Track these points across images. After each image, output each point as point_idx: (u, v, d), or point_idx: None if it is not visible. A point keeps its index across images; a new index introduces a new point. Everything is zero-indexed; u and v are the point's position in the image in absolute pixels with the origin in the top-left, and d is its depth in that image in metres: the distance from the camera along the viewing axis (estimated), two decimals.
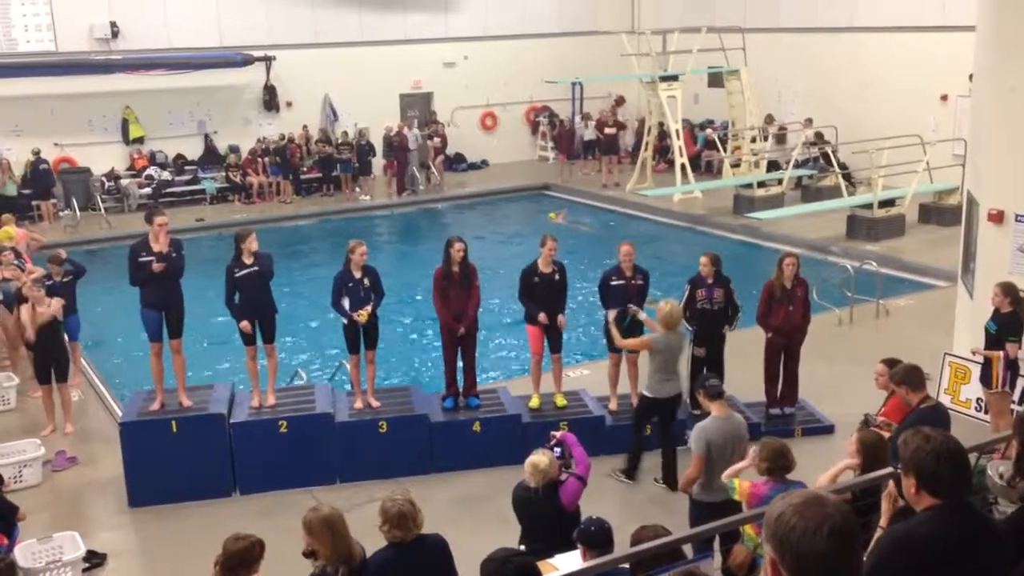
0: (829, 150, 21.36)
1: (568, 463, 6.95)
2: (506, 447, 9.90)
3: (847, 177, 20.97)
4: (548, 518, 6.29)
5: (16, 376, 12.10)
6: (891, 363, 7.55)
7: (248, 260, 9.46)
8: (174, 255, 9.38)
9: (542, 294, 9.96)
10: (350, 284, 9.59)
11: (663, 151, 24.84)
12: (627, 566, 4.86)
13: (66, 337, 11.65)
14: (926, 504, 3.32)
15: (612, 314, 9.99)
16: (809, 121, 22.79)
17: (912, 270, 16.66)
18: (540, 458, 6.68)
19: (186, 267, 9.59)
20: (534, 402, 10.32)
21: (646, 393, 9.48)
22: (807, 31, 23.58)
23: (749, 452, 6.73)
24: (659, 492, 9.37)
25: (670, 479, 9.31)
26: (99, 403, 12.06)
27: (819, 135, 22.35)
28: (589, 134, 25.29)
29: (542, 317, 9.94)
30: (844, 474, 6.18)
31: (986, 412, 9.92)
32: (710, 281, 10.26)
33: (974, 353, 9.92)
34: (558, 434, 7.35)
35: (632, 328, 9.97)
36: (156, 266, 9.24)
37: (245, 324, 9.56)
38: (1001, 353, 9.30)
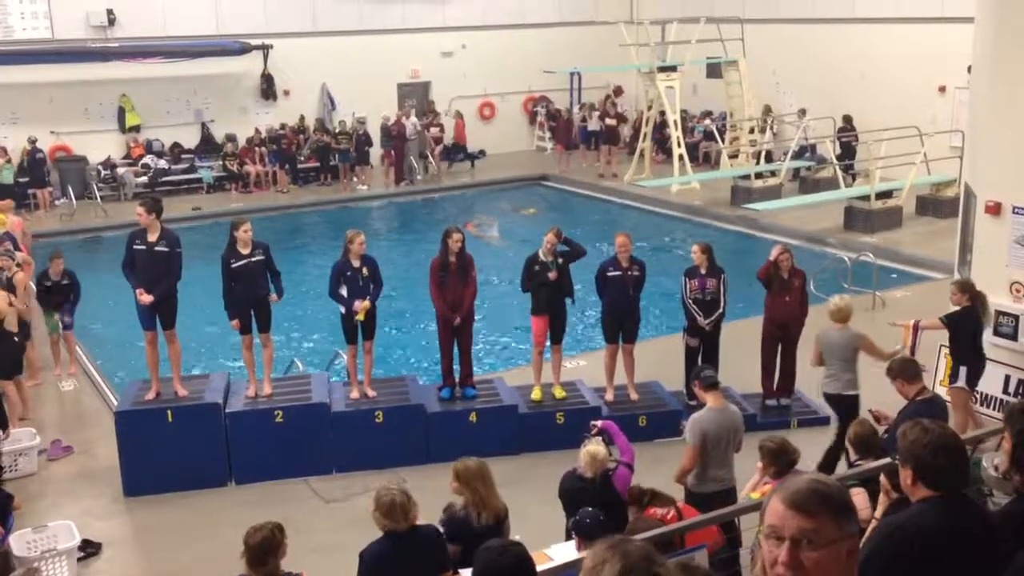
0: (828, 141, 21.30)
1: (610, 452, 6.91)
2: (502, 438, 9.91)
3: (849, 168, 20.89)
4: (604, 507, 6.21)
5: None
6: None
7: (244, 250, 9.41)
8: (166, 249, 9.22)
9: (544, 283, 9.93)
10: (348, 274, 9.57)
11: (661, 142, 24.79)
12: None
13: (61, 326, 11.62)
14: (922, 495, 3.31)
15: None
16: (803, 112, 22.73)
17: (909, 262, 16.65)
18: (598, 448, 6.65)
19: (183, 254, 9.41)
20: (536, 395, 10.29)
21: (825, 390, 9.18)
22: (806, 22, 23.53)
23: (754, 477, 6.70)
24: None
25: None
26: (95, 392, 12.03)
27: (847, 119, 22.02)
28: (593, 124, 25.15)
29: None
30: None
31: (981, 404, 9.94)
32: (703, 271, 10.25)
33: (892, 325, 10.39)
34: (599, 423, 7.32)
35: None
36: (144, 298, 9.22)
37: (235, 323, 9.60)
38: (912, 322, 9.74)
